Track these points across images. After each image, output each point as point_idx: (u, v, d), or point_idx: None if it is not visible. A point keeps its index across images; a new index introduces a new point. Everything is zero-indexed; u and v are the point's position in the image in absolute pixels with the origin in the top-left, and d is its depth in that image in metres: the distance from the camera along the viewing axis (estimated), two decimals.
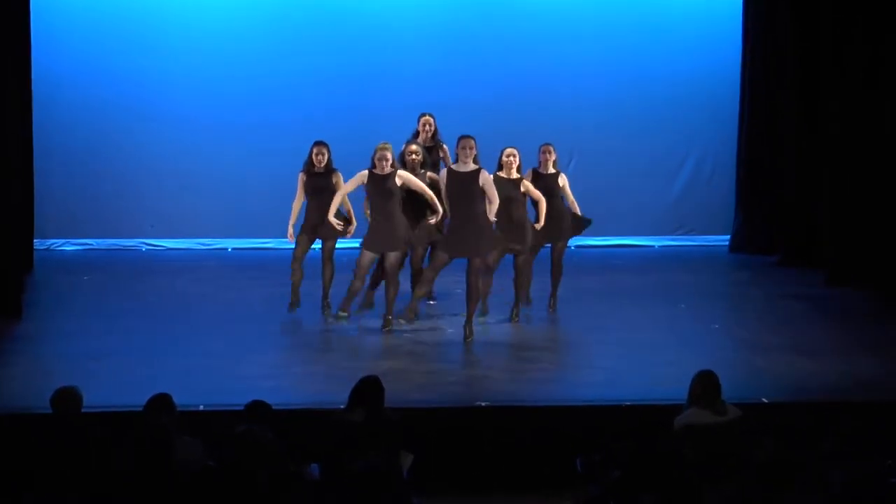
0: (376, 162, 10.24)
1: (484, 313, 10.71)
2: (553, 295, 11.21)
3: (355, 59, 14.83)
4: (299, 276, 10.85)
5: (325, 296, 10.98)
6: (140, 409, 6.87)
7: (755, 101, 14.58)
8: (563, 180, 10.99)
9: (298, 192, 10.81)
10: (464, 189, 9.90)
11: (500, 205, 10.40)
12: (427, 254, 11.01)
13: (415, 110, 11.79)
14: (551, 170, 10.95)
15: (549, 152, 10.95)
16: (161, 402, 6.79)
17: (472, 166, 9.95)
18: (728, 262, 14.35)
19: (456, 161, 10.07)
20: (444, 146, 11.32)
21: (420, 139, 11.30)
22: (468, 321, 10.09)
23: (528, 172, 10.81)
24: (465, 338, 10.04)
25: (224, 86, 14.82)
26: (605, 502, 6.47)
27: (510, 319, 10.74)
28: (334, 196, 10.54)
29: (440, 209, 10.18)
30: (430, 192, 10.27)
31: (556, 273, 11.15)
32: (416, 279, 10.83)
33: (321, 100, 14.79)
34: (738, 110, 14.85)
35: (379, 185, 10.21)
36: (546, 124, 14.17)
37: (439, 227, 10.56)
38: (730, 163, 15.02)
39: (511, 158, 10.53)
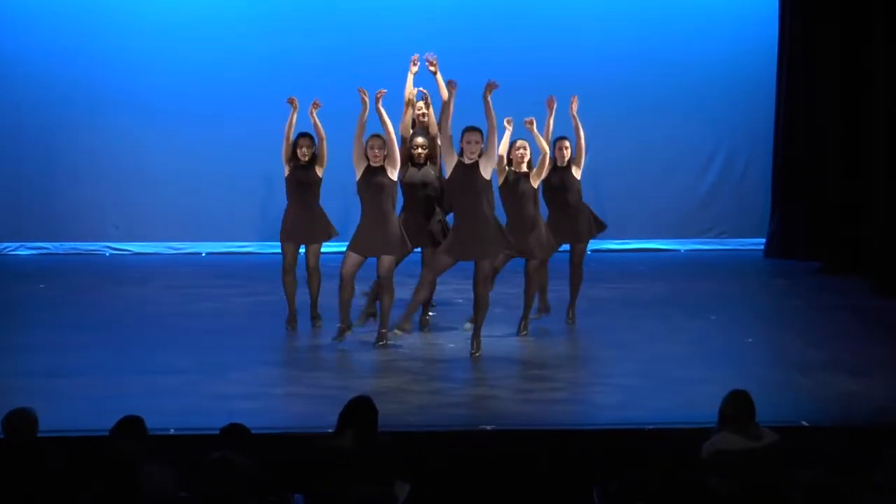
0: (367, 153, 10.28)
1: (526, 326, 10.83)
2: (572, 305, 11.25)
3: (347, 40, 14.86)
4: (293, 288, 10.94)
5: (313, 306, 11.03)
6: (105, 433, 6.87)
7: (794, 87, 14.59)
8: (577, 170, 11.10)
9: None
10: (468, 182, 9.90)
11: (511, 203, 10.45)
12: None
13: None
14: (566, 163, 11.05)
15: (565, 147, 11.03)
16: (131, 426, 6.79)
17: (475, 160, 9.98)
18: (763, 269, 14.36)
19: (461, 153, 10.09)
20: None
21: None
22: (475, 334, 10.10)
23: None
24: (472, 352, 10.06)
25: (198, 69, 14.84)
26: None
27: (518, 332, 10.77)
28: (318, 189, 10.79)
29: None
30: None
31: (575, 279, 11.21)
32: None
33: (308, 86, 14.77)
34: (774, 98, 14.86)
35: (371, 178, 10.23)
36: (559, 114, 14.19)
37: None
38: (765, 157, 15.04)
39: (522, 151, 10.59)
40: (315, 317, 11.06)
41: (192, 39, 14.78)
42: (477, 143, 9.97)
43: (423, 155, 10.78)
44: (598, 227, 11.26)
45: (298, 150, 10.85)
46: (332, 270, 11.03)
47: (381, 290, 10.36)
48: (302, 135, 10.90)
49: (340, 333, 10.31)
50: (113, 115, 14.78)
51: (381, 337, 10.36)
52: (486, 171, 9.97)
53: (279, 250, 11.09)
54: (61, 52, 14.72)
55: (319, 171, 10.88)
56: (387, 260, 10.28)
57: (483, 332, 10.19)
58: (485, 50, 14.81)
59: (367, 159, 10.27)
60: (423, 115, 10.99)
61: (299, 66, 14.81)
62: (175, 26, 14.77)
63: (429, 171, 10.81)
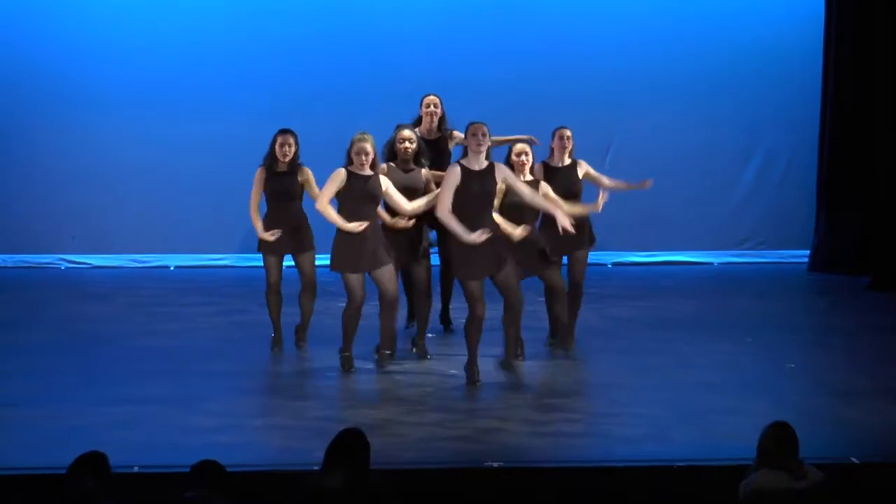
0: (353, 157, 10.26)
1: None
2: (570, 330, 11.18)
3: (335, 25, 14.89)
4: (279, 307, 10.97)
5: (303, 327, 11.04)
6: (62, 470, 6.89)
7: (842, 76, 14.59)
8: (583, 168, 10.98)
9: (254, 189, 10.81)
10: (479, 190, 9.89)
11: (511, 216, 10.39)
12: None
13: (414, 90, 11.79)
14: (567, 160, 10.96)
15: (567, 138, 10.94)
16: (91, 463, 6.80)
17: (484, 162, 9.95)
18: (807, 285, 14.38)
19: (465, 155, 10.08)
20: (457, 133, 11.28)
21: (423, 127, 11.31)
22: (510, 354, 10.13)
23: (538, 167, 10.82)
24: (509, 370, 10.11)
25: (168, 58, 14.86)
26: None
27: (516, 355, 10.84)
28: (302, 196, 10.73)
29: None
30: (407, 208, 10.26)
31: (575, 299, 11.09)
32: (418, 303, 10.94)
33: (290, 78, 14.84)
34: (820, 89, 14.87)
35: (358, 188, 10.22)
36: (575, 108, 14.23)
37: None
38: (810, 157, 15.06)
39: (524, 158, 10.54)
40: (301, 338, 11.06)
41: (159, 26, 14.79)
42: (484, 135, 9.87)
43: (409, 150, 10.63)
44: (591, 241, 11.14)
45: (278, 150, 10.80)
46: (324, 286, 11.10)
47: (382, 308, 10.36)
48: (283, 131, 10.85)
49: (345, 362, 10.41)
50: (70, 111, 14.80)
51: (382, 358, 10.41)
52: (499, 182, 9.97)
53: (259, 264, 11.10)
54: (11, 40, 14.72)
55: (301, 178, 10.81)
56: (388, 272, 10.28)
57: (486, 356, 10.23)
58: (497, 38, 14.86)
59: (352, 162, 10.25)
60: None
61: (278, 53, 14.83)
62: (139, 12, 14.78)
63: (416, 176, 10.63)
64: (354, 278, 10.28)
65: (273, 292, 10.96)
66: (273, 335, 11.05)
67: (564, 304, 10.74)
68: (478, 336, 10.06)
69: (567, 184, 10.86)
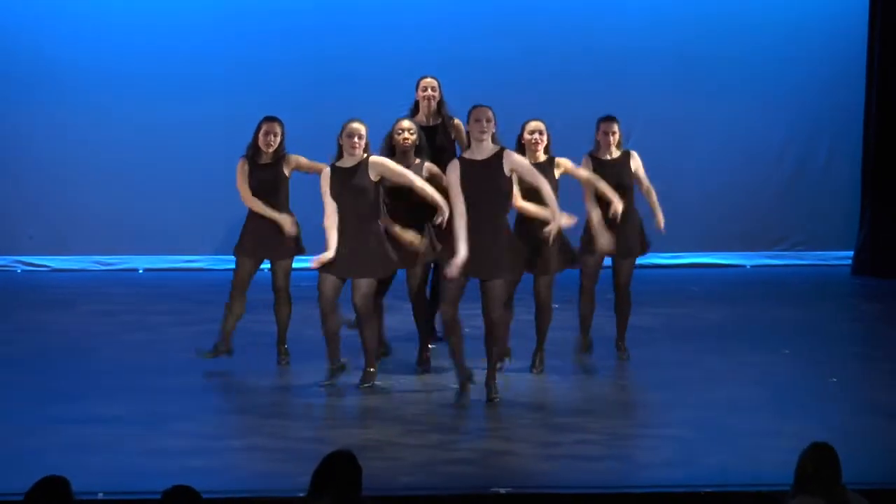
0: (344, 141, 10.23)
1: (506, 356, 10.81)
2: (621, 338, 11.24)
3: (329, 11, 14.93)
4: (238, 312, 10.94)
5: (280, 340, 11.06)
6: (19, 497, 6.91)
7: (890, 56, 14.59)
8: (636, 163, 11.05)
9: (241, 183, 10.80)
10: (483, 183, 9.85)
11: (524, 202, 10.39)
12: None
13: (411, 72, 11.80)
14: (615, 152, 10.99)
15: (613, 133, 10.96)
16: (52, 489, 6.81)
17: (490, 148, 9.91)
18: (850, 290, 14.39)
19: (468, 143, 10.06)
20: (458, 122, 11.26)
21: (420, 113, 11.31)
22: (490, 375, 10.08)
23: (585, 160, 10.83)
24: (489, 397, 10.04)
25: (131, 41, 14.87)
26: None
27: (530, 368, 10.83)
28: (286, 191, 10.78)
29: (444, 206, 10.07)
30: (420, 184, 10.20)
31: (623, 305, 11.18)
32: (417, 311, 10.94)
33: (273, 59, 14.85)
34: (864, 70, 14.88)
35: (345, 181, 10.20)
36: (595, 91, 14.26)
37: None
38: (853, 147, 15.06)
39: (537, 136, 10.55)
40: (283, 352, 11.07)
41: (129, 11, 14.81)
42: (489, 121, 9.82)
43: (409, 141, 10.62)
44: (643, 246, 11.19)
45: (262, 139, 10.81)
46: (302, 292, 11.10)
47: (359, 320, 10.34)
48: (268, 119, 10.84)
49: (331, 374, 10.36)
50: (26, 95, 14.81)
51: (365, 377, 10.38)
52: (507, 171, 9.90)
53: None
54: None
55: (287, 170, 10.83)
56: (364, 284, 10.25)
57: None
58: (504, 10, 14.88)
59: (341, 153, 10.24)
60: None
61: (263, 40, 14.86)
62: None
63: (417, 171, 10.50)
64: (326, 277, 10.25)
65: (238, 291, 10.89)
66: (217, 342, 10.98)
67: (546, 318, 10.82)
68: (457, 340, 9.95)
69: (619, 176, 10.93)
